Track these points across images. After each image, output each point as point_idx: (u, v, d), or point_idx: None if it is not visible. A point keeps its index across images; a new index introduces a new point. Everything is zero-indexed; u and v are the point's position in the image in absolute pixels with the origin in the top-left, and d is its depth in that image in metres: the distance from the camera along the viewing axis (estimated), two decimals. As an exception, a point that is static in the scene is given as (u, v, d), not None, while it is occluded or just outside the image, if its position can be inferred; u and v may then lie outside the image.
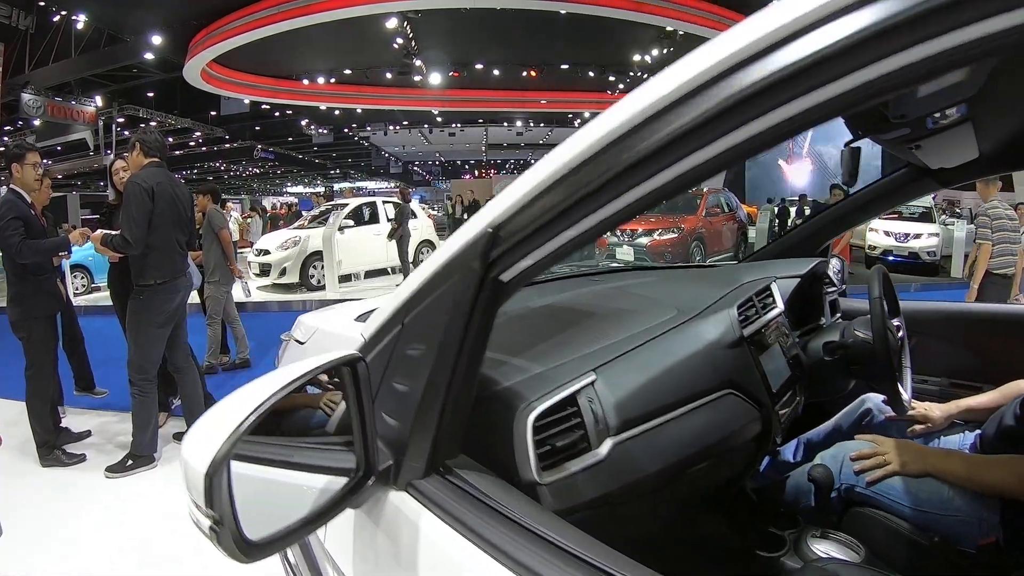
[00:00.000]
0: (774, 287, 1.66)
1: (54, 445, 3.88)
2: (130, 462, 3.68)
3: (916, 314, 1.89)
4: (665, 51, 18.44)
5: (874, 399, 1.72)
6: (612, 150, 0.65)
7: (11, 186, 3.72)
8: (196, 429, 0.76)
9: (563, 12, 15.66)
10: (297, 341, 1.83)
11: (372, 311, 1.15)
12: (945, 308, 2.01)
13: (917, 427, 1.58)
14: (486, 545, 0.75)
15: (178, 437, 4.11)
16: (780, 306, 1.62)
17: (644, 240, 10.21)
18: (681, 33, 16.88)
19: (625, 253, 10.33)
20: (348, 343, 1.05)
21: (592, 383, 1.08)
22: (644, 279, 2.09)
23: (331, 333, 1.71)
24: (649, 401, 1.13)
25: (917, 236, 12.17)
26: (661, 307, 1.48)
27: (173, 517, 3.14)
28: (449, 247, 0.88)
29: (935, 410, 1.59)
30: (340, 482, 0.87)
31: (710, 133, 0.57)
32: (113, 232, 3.55)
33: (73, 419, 4.49)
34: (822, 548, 1.36)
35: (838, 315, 2.03)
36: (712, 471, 1.27)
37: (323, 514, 0.85)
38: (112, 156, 4.20)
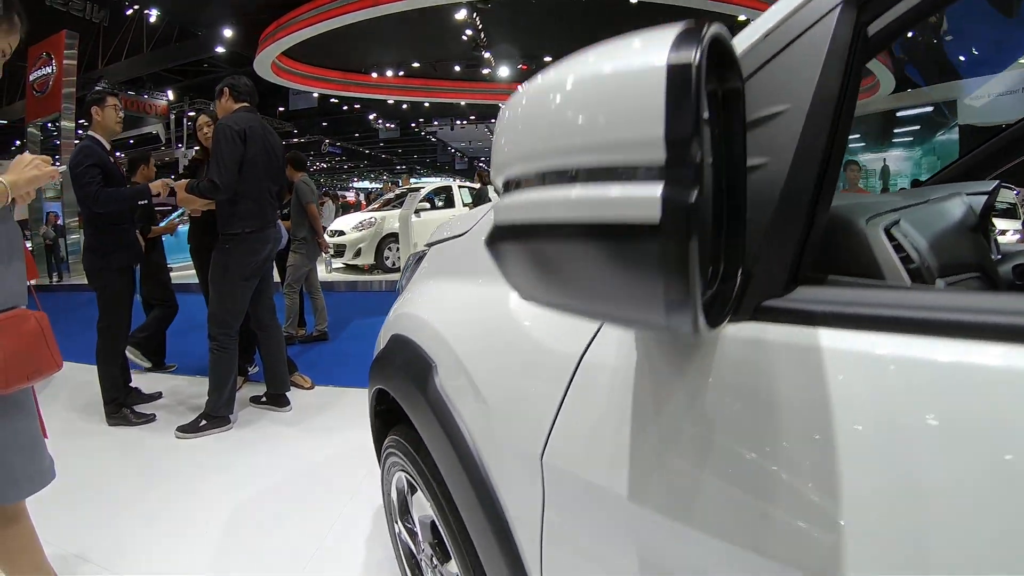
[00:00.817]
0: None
1: (122, 403, 3.47)
2: (204, 422, 3.22)
3: None
4: None
5: None
6: None
7: (89, 132, 3.43)
8: None
9: (634, 1, 14.98)
10: (452, 237, 1.45)
11: None
12: None
13: None
14: None
15: (255, 400, 3.65)
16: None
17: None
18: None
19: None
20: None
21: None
22: None
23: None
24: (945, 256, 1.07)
25: (1002, 232, 10.89)
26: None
27: (248, 486, 2.65)
28: None
29: None
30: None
31: None
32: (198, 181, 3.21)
33: (143, 380, 4.09)
34: None
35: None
36: None
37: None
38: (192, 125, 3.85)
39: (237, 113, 3.25)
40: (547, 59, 21.04)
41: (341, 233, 9.72)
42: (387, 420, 1.67)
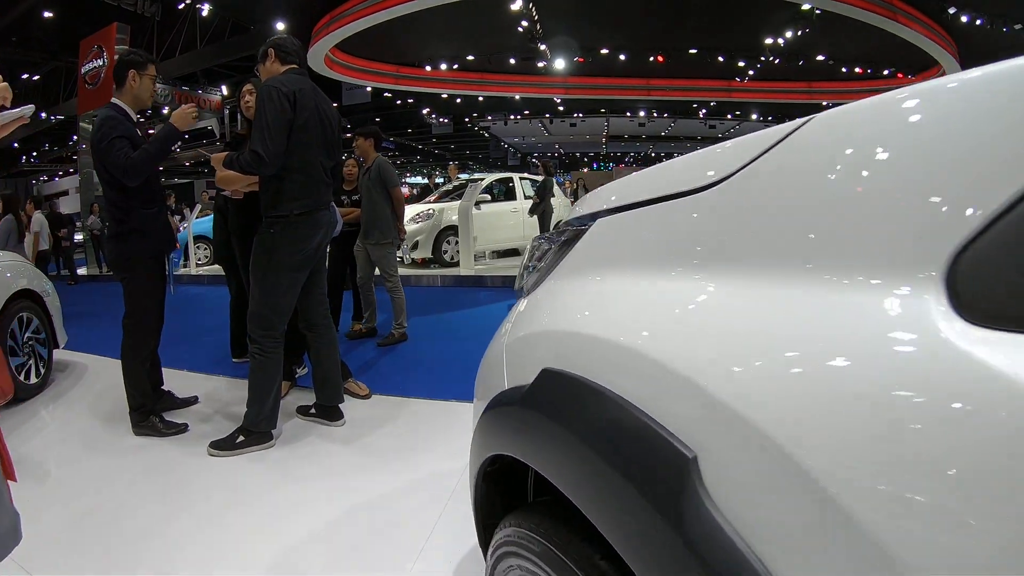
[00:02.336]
0: None
1: (151, 410, 2.97)
2: (241, 438, 2.67)
3: None
4: (800, 32, 16.46)
5: None
6: None
7: (114, 100, 2.90)
8: None
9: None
10: (664, 198, 0.87)
11: None
12: None
13: None
14: None
15: (303, 412, 3.09)
16: None
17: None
18: (819, 12, 14.81)
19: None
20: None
21: None
22: None
23: None
24: None
25: None
26: None
27: (286, 527, 2.08)
28: None
29: None
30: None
31: None
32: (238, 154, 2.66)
33: (179, 381, 3.60)
34: None
35: None
36: None
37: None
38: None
39: (285, 75, 2.71)
40: (604, 51, 20.38)
41: (397, 224, 9.27)
42: (500, 485, 1.14)
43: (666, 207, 0.84)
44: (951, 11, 15.42)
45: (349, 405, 3.16)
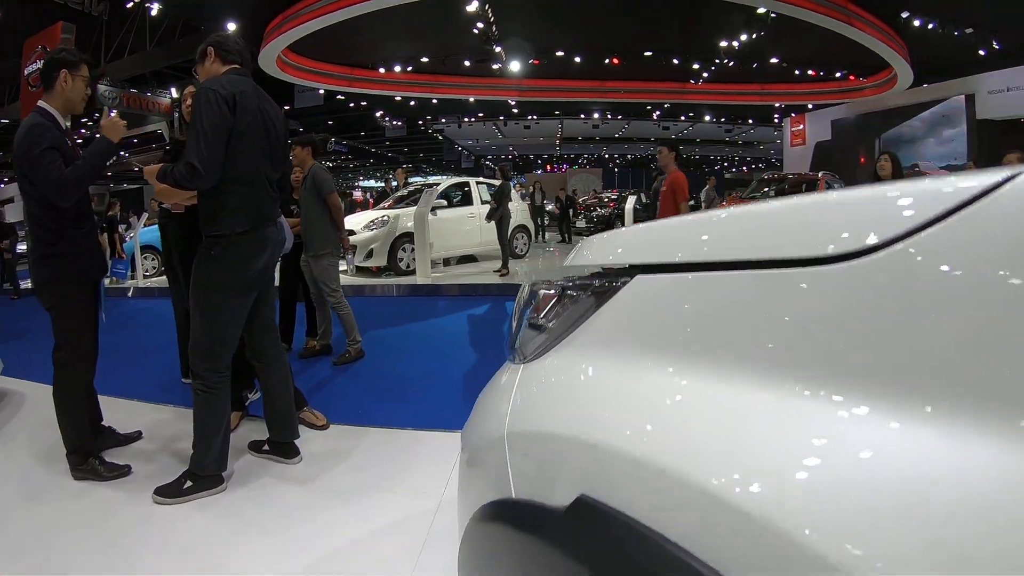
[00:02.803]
0: None
1: (90, 452, 2.73)
2: (188, 483, 2.47)
3: None
4: (754, 35, 16.82)
5: None
6: None
7: (41, 104, 2.63)
8: None
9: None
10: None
11: None
12: None
13: None
14: None
15: (256, 448, 2.87)
16: None
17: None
18: (774, 15, 15.16)
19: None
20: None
21: None
22: None
23: None
24: None
25: None
26: None
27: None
28: None
29: None
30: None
31: None
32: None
33: (122, 412, 3.36)
34: None
35: None
36: None
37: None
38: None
39: (226, 75, 2.49)
40: (559, 53, 20.41)
41: (351, 232, 8.99)
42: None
43: (771, 279, 0.60)
44: (904, 15, 15.96)
45: (306, 438, 2.99)
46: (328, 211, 4.40)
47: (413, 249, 8.91)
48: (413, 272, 8.93)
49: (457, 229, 9.83)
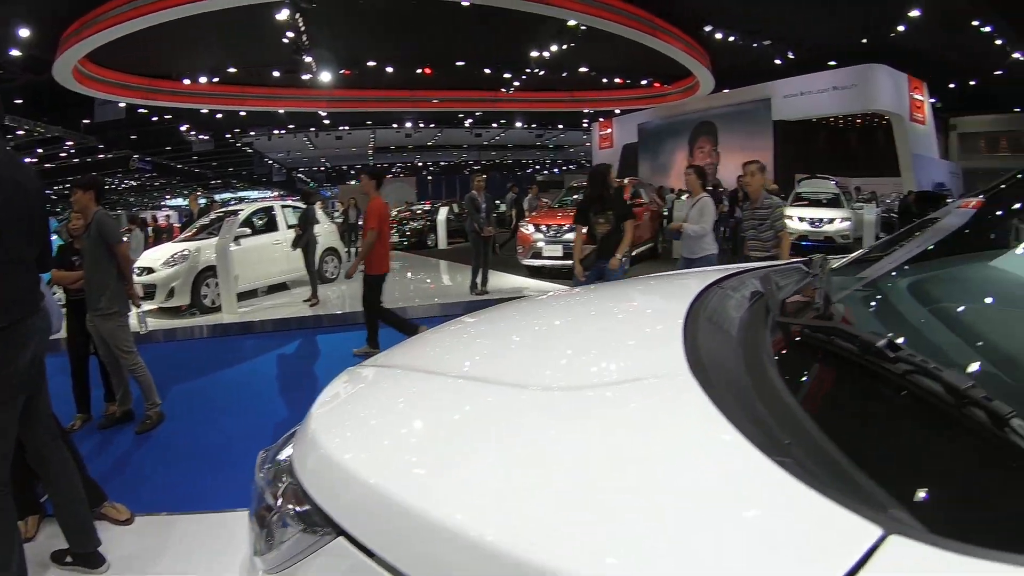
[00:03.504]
0: None
1: None
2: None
3: None
4: (564, 46, 18.06)
5: None
6: None
7: None
8: None
9: (465, 3, 14.78)
10: None
11: None
12: None
13: None
14: None
15: (58, 560, 2.70)
16: None
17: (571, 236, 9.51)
18: (583, 28, 16.51)
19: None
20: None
21: None
22: None
23: None
24: None
25: (831, 221, 12.89)
26: None
27: None
28: None
29: None
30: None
31: None
32: None
33: None
34: None
35: None
36: None
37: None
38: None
39: None
40: (371, 63, 20.37)
41: (150, 271, 8.35)
42: None
43: None
44: (707, 28, 17.92)
45: (111, 536, 2.88)
46: (115, 262, 4.10)
47: (218, 284, 8.51)
48: (219, 308, 8.54)
49: (263, 257, 9.48)
